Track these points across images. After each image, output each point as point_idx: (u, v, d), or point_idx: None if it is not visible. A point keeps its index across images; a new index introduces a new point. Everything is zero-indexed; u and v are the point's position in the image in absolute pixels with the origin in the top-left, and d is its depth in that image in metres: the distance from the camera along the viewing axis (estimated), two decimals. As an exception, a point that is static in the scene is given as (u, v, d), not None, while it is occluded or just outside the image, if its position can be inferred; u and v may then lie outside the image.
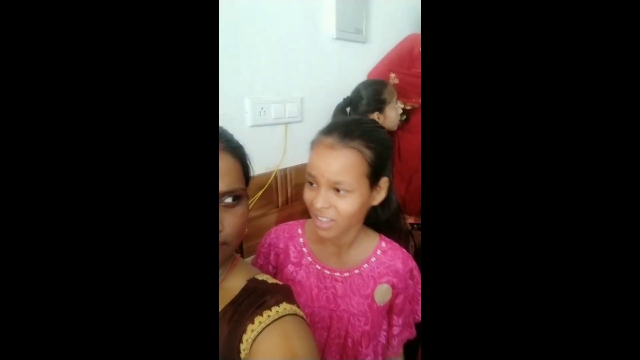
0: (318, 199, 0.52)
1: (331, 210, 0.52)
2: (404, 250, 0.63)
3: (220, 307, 0.41)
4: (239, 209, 0.40)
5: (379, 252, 0.61)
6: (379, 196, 0.57)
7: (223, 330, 0.39)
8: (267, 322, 0.38)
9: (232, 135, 0.44)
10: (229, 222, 0.38)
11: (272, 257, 0.65)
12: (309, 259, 0.62)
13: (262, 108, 0.80)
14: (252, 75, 0.77)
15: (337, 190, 0.52)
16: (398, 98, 1.07)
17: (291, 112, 0.87)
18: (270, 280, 0.46)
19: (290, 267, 0.62)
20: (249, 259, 0.81)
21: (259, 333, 0.37)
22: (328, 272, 0.60)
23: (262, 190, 0.84)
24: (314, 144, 0.56)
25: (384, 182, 0.56)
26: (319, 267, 0.61)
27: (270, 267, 0.65)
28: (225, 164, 0.39)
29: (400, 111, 1.05)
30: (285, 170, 0.90)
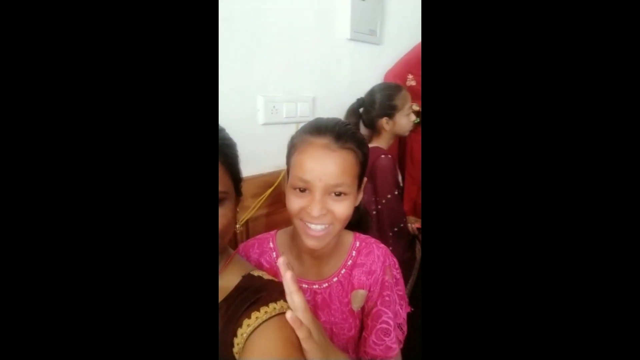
0: (314, 206, 0.47)
1: (328, 217, 0.49)
2: (381, 245, 0.60)
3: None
4: (221, 211, 0.40)
5: (354, 253, 0.58)
6: (360, 197, 0.54)
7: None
8: (264, 318, 0.38)
9: (219, 130, 0.43)
10: None
11: None
12: None
13: (274, 107, 0.81)
14: (265, 74, 0.78)
15: (334, 194, 0.48)
16: (414, 100, 1.06)
17: (302, 111, 0.88)
18: (266, 276, 0.45)
19: None
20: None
21: (255, 328, 0.37)
22: (306, 286, 0.57)
23: (271, 188, 0.84)
24: (300, 145, 0.50)
25: (363, 182, 0.54)
26: None
27: None
28: None
29: (414, 117, 1.04)
30: (295, 169, 0.90)
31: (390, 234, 0.96)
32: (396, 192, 0.95)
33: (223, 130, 0.44)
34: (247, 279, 0.44)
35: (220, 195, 0.40)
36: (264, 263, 0.60)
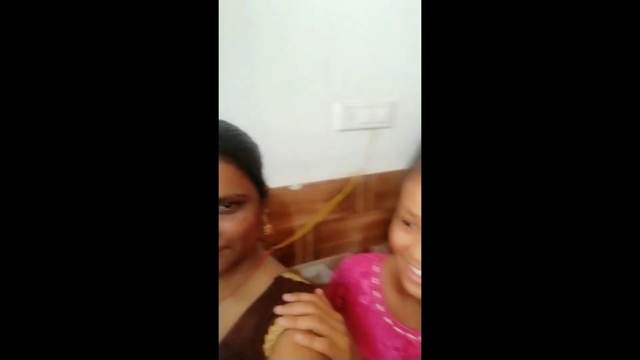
0: (418, 248, 0.40)
1: None
2: None
3: (248, 302, 0.44)
4: (239, 215, 0.39)
5: None
6: None
7: (250, 322, 0.42)
8: None
9: (236, 135, 0.42)
10: (226, 227, 0.38)
11: (341, 289, 0.57)
12: (380, 307, 0.51)
13: (351, 112, 0.79)
14: (343, 78, 0.77)
15: None
16: None
17: (380, 117, 0.84)
18: (296, 278, 0.46)
19: (358, 309, 0.53)
20: (324, 260, 0.82)
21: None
22: (401, 331, 0.49)
23: (340, 194, 0.83)
24: (417, 172, 0.42)
25: None
26: (389, 321, 0.50)
27: (338, 300, 0.57)
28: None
29: None
30: (368, 177, 0.87)
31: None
32: None
33: (244, 135, 0.43)
34: (279, 281, 0.45)
35: (239, 198, 0.39)
36: (363, 286, 0.54)
